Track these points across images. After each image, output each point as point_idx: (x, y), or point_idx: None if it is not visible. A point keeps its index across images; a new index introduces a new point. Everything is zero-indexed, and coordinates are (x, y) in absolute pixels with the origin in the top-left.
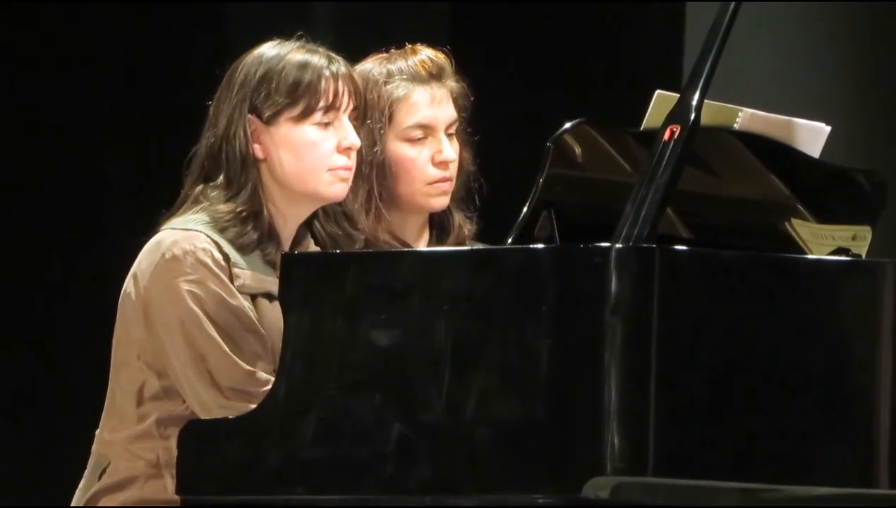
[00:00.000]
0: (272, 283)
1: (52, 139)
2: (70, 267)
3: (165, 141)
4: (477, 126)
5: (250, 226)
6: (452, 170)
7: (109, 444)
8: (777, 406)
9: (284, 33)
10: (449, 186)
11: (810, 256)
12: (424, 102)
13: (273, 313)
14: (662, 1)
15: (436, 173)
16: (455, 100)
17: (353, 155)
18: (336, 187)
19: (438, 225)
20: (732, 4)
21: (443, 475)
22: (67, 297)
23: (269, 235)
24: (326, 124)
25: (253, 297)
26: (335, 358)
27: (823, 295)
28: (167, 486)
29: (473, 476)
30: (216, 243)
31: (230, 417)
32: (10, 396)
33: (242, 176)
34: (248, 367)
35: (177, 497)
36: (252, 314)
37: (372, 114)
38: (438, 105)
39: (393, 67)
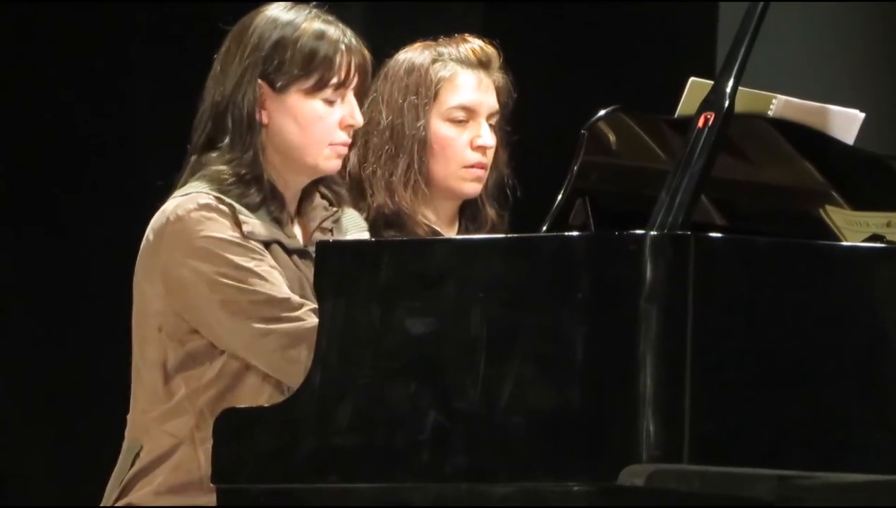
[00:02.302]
0: (283, 236)
1: (80, 118)
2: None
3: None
4: (512, 123)
5: (253, 189)
6: (489, 157)
7: (142, 426)
8: (812, 393)
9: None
10: (483, 173)
11: (844, 243)
12: (471, 85)
13: (287, 263)
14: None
15: (473, 157)
16: (498, 93)
17: (352, 132)
18: (333, 162)
19: (470, 217)
20: None
21: (478, 463)
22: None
23: (272, 196)
24: (334, 99)
25: (266, 244)
26: (370, 346)
27: (858, 281)
28: (200, 462)
29: (508, 463)
30: (217, 197)
31: (265, 406)
32: (34, 385)
33: (248, 138)
34: (278, 295)
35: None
36: (267, 255)
37: (417, 91)
38: (484, 91)
39: (443, 50)
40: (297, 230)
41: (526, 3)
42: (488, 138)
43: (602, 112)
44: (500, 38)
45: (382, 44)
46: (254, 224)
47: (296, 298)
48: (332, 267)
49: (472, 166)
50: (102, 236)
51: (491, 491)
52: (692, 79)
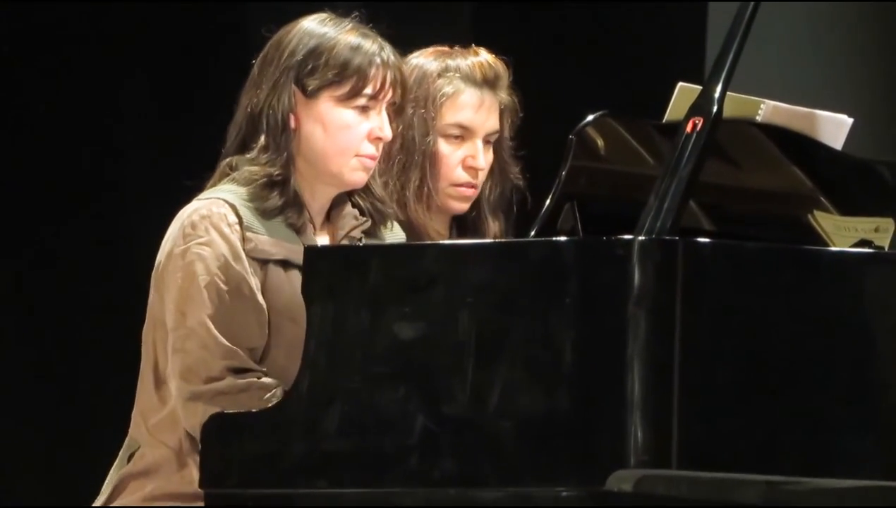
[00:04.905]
0: (291, 251)
1: (72, 123)
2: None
3: (186, 125)
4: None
5: (276, 192)
6: (480, 178)
7: (139, 428)
8: (801, 398)
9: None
10: (472, 193)
11: (833, 248)
12: (471, 104)
13: (286, 281)
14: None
15: (462, 176)
16: (502, 113)
17: (381, 146)
18: (358, 174)
19: (473, 231)
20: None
21: (466, 467)
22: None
23: (293, 202)
24: (365, 110)
25: (264, 262)
26: (359, 351)
27: (846, 287)
28: (193, 477)
29: (497, 468)
30: (232, 206)
31: (253, 410)
32: (38, 379)
33: (281, 142)
34: (228, 345)
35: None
36: (254, 283)
37: (425, 104)
38: (485, 112)
39: (451, 63)
40: (325, 238)
41: (512, 5)
42: (481, 160)
43: (590, 117)
44: (486, 40)
45: None
46: (259, 240)
47: (235, 367)
48: (321, 271)
49: (460, 185)
50: (99, 235)
51: (479, 496)
52: (680, 84)
